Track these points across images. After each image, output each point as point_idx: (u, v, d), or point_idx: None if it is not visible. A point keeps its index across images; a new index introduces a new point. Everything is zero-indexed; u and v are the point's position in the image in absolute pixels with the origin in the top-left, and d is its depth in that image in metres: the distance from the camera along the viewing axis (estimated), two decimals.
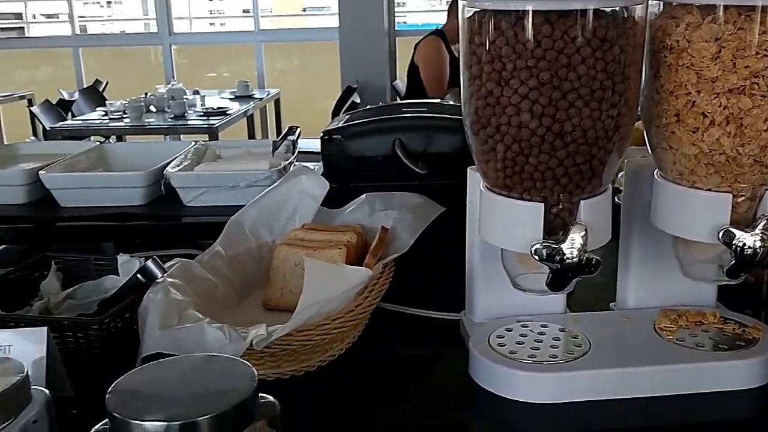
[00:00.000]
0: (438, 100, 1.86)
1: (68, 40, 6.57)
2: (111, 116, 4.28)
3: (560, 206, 0.75)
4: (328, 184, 1.13)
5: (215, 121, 4.09)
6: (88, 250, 1.43)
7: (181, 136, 4.32)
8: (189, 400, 0.58)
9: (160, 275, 0.86)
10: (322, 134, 1.36)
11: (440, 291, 1.08)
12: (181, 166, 1.33)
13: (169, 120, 4.23)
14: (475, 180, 0.88)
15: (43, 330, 0.77)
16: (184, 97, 4.49)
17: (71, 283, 1.03)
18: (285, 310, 1.00)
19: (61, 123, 4.31)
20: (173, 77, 6.08)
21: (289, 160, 1.34)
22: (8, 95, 5.94)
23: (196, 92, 4.89)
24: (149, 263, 0.86)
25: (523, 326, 0.89)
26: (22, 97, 5.95)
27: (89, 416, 0.68)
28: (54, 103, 4.87)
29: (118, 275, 1.02)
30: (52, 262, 1.02)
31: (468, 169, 0.89)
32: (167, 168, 1.29)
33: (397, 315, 1.01)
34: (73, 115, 4.81)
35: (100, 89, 5.64)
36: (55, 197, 1.32)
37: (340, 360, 0.90)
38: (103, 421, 0.60)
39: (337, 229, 1.07)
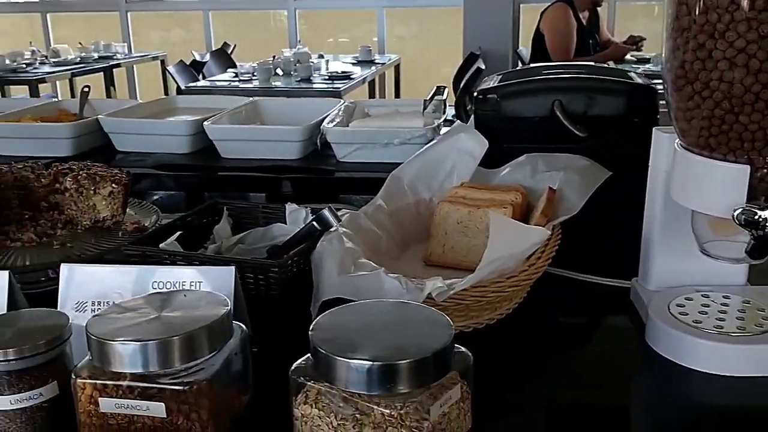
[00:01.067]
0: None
1: (199, 4, 6.80)
2: (241, 78, 4.40)
3: (766, 169, 0.70)
4: (487, 143, 1.12)
5: (339, 85, 4.13)
6: (240, 199, 1.48)
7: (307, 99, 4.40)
8: (389, 343, 0.59)
9: (335, 224, 0.88)
10: (476, 94, 1.34)
11: (605, 257, 1.04)
12: (335, 122, 1.35)
13: (296, 83, 4.31)
14: (661, 141, 0.84)
15: (231, 269, 0.80)
16: (310, 61, 4.56)
17: (239, 229, 1.07)
18: (445, 267, 1.01)
19: (194, 83, 4.48)
20: (297, 41, 6.20)
21: (441, 119, 1.33)
22: (144, 55, 6.24)
23: (321, 56, 4.96)
24: (325, 211, 0.88)
25: (703, 296, 0.85)
26: (155, 58, 6.23)
27: (268, 354, 0.71)
28: (187, 64, 5.06)
29: (285, 223, 1.05)
30: (224, 209, 1.06)
31: (654, 130, 0.85)
32: (323, 123, 1.31)
33: (561, 279, 0.99)
34: (204, 77, 5.00)
35: (229, 51, 5.82)
36: (217, 148, 1.37)
37: (506, 319, 0.89)
38: (305, 357, 0.62)
39: (499, 189, 1.05)
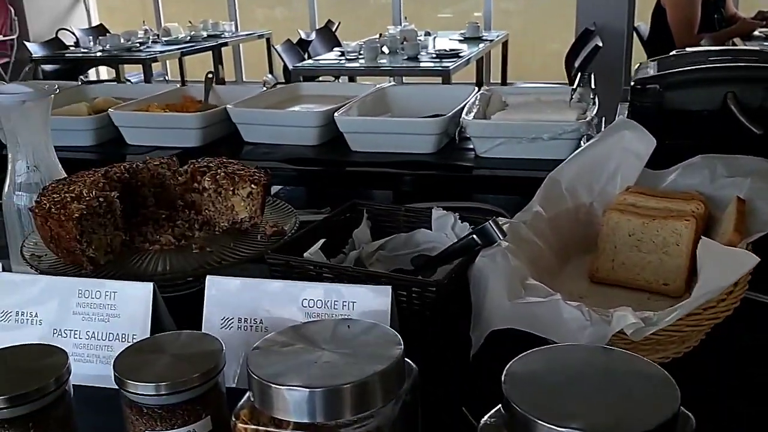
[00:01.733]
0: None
1: None
2: (347, 57, 4.35)
3: None
4: (654, 142, 0.99)
5: (448, 64, 4.01)
6: (364, 197, 1.41)
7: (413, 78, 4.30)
8: (602, 408, 0.49)
9: (499, 238, 0.79)
10: (632, 83, 1.21)
11: None
12: (474, 113, 1.25)
13: (402, 61, 4.21)
14: None
15: (388, 289, 0.73)
16: (417, 39, 4.46)
17: (378, 232, 1.00)
18: (614, 285, 0.90)
19: (303, 63, 4.46)
20: (400, 19, 6.10)
21: (594, 112, 1.21)
22: (250, 34, 6.29)
23: (428, 33, 4.84)
24: (490, 225, 0.78)
25: None
26: (261, 36, 6.27)
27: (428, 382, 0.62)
28: (294, 42, 5.06)
29: (430, 229, 0.96)
30: (364, 211, 0.99)
31: None
32: (463, 115, 1.22)
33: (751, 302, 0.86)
34: (309, 56, 4.98)
35: (333, 30, 5.78)
36: (348, 141, 1.30)
37: (693, 351, 0.78)
38: (495, 410, 0.53)
39: (673, 196, 0.93)
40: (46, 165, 1.07)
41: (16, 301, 0.80)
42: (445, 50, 4.36)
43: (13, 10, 6.53)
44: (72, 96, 1.72)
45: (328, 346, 0.58)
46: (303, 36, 5.33)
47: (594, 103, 1.25)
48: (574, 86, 1.33)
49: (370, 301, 0.73)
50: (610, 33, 4.95)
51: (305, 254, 0.86)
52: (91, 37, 5.49)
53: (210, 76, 1.65)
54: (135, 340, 0.76)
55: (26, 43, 5.71)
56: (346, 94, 1.53)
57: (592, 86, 1.32)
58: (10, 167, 1.07)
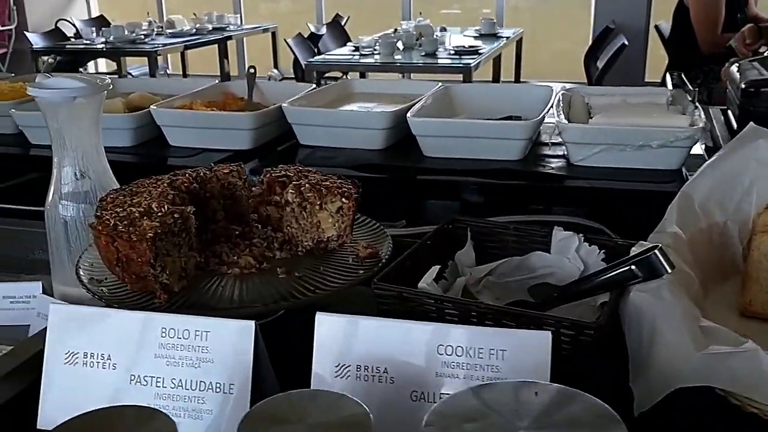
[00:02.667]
0: None
1: None
2: (362, 52, 4.21)
3: None
4: None
5: (469, 61, 3.88)
6: (428, 208, 1.29)
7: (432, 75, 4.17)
8: None
9: (667, 272, 0.66)
10: (743, 85, 1.09)
11: None
12: (561, 116, 1.13)
13: (420, 57, 4.08)
14: None
15: (546, 335, 0.60)
16: (435, 34, 4.33)
17: (479, 254, 0.87)
18: None
19: (316, 58, 4.32)
20: (410, 14, 5.97)
21: (701, 116, 1.09)
22: (255, 27, 6.14)
23: (444, 29, 4.71)
24: (656, 255, 0.66)
25: None
26: (266, 30, 6.12)
27: None
28: (305, 36, 4.92)
29: (547, 252, 0.84)
30: (468, 230, 0.86)
31: None
32: (557, 118, 1.09)
33: None
34: (319, 51, 4.84)
35: (342, 24, 5.65)
36: (421, 145, 1.17)
37: None
38: None
39: None
40: (96, 172, 0.94)
41: (83, 340, 0.67)
42: (464, 47, 4.23)
43: (11, 0, 6.35)
44: None
45: (523, 423, 0.45)
46: (313, 30, 5.18)
47: (696, 107, 1.13)
48: (669, 88, 1.21)
49: (524, 348, 0.60)
50: (628, 31, 4.83)
51: (420, 284, 0.73)
52: (93, 29, 5.32)
53: (252, 71, 1.52)
54: (232, 391, 0.64)
55: (26, 34, 5.53)
56: (405, 93, 1.40)
57: (690, 87, 1.19)
58: (55, 173, 0.94)
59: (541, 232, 0.85)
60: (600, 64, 4.23)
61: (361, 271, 0.79)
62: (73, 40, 5.53)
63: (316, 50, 4.84)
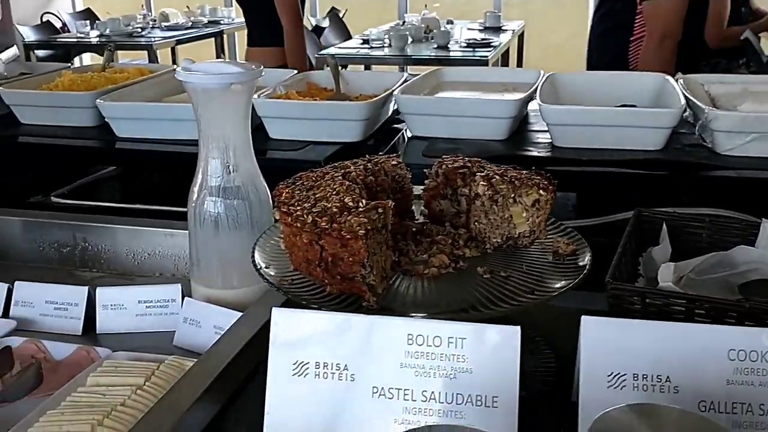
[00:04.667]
0: None
1: None
2: (372, 45, 4.14)
3: None
4: None
5: (486, 54, 3.83)
6: None
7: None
8: None
9: None
10: None
11: None
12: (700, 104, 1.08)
13: (433, 50, 4.02)
14: None
15: None
16: (449, 27, 4.28)
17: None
18: None
19: (326, 51, 4.23)
20: (406, 7, 5.90)
21: None
22: None
23: (450, 22, 4.66)
24: None
25: None
26: None
27: None
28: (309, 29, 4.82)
29: (752, 245, 0.79)
30: (663, 224, 0.81)
31: None
32: (708, 107, 1.04)
33: None
34: (320, 45, 4.75)
35: (340, 16, 5.56)
36: (553, 134, 1.11)
37: None
38: None
39: None
40: (246, 166, 0.87)
41: (314, 349, 0.60)
42: (476, 39, 4.18)
43: None
44: (166, 83, 1.51)
45: None
46: (314, 22, 5.09)
47: None
48: None
49: None
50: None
51: (662, 283, 0.67)
52: (86, 22, 5.16)
53: (334, 60, 1.45)
54: (496, 404, 0.58)
55: (17, 27, 5.35)
56: (502, 81, 1.35)
57: None
58: (202, 166, 0.86)
59: (739, 225, 0.80)
60: None
61: (575, 271, 0.72)
62: (64, 34, 5.37)
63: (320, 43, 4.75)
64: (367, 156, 0.87)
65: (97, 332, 0.89)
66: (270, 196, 0.89)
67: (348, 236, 0.66)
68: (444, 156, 0.85)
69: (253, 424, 0.65)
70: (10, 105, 1.38)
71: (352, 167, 0.81)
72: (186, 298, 0.87)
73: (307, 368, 0.60)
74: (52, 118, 1.36)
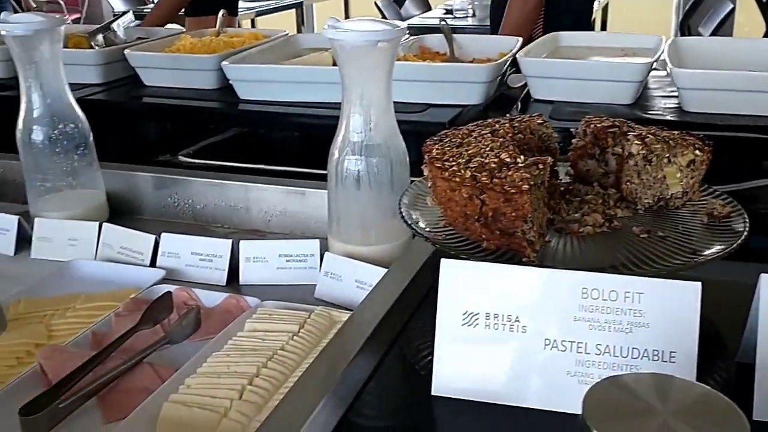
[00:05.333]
0: None
1: None
2: (456, 15, 4.10)
3: None
4: None
5: None
6: None
7: None
8: None
9: None
10: None
11: None
12: None
13: None
14: None
15: None
16: None
17: None
18: None
19: (410, 21, 4.21)
20: None
21: None
22: None
23: None
24: None
25: None
26: None
27: None
28: None
29: None
30: None
31: None
32: None
33: None
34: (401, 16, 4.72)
35: None
36: (687, 99, 1.08)
37: None
38: None
39: None
40: (386, 124, 0.88)
41: (484, 299, 0.61)
42: None
43: None
44: (282, 47, 1.53)
45: None
46: None
47: None
48: None
49: None
50: None
51: None
52: None
53: (445, 24, 1.44)
54: (674, 359, 0.57)
55: None
56: (621, 46, 1.31)
57: None
58: (344, 124, 0.88)
59: None
60: (702, 30, 4.05)
61: (731, 235, 0.71)
62: (148, 4, 5.49)
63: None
64: (507, 115, 0.86)
65: (240, 283, 0.92)
66: (407, 155, 0.90)
67: (512, 191, 0.66)
68: (587, 117, 0.84)
69: (409, 375, 0.67)
70: (136, 67, 1.43)
71: (497, 125, 0.80)
72: (327, 253, 0.89)
73: (477, 319, 0.61)
74: (174, 80, 1.40)
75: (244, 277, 0.93)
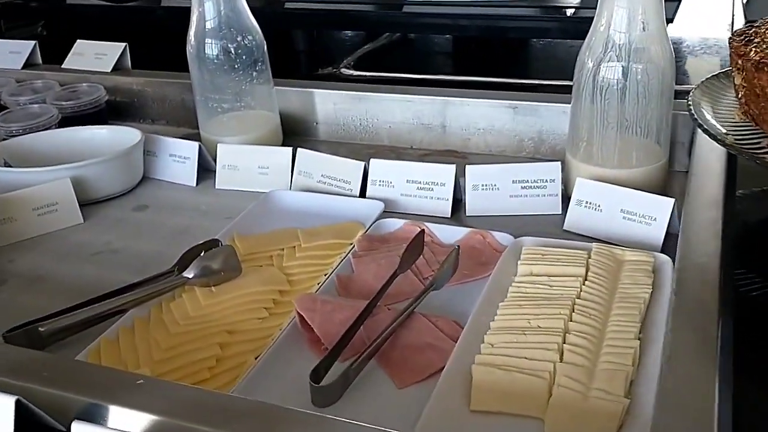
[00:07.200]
0: None
1: None
2: None
3: None
4: None
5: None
6: None
7: None
8: None
9: None
10: None
11: None
12: None
13: None
14: None
15: None
16: None
17: None
18: None
19: None
20: None
21: None
22: None
23: None
24: None
25: None
26: None
27: None
28: None
29: None
30: None
31: None
32: None
33: None
34: None
35: None
36: None
37: None
38: None
39: None
40: (656, 25, 0.74)
41: None
42: None
43: None
44: None
45: None
46: None
47: None
48: None
49: None
50: None
51: None
52: None
53: None
54: None
55: None
56: None
57: None
58: (602, 24, 0.73)
59: None
60: None
61: None
62: None
63: None
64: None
65: (467, 214, 0.81)
66: (674, 60, 0.76)
67: None
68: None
69: None
70: None
71: None
72: (579, 179, 0.77)
73: None
74: None
75: (471, 207, 0.81)
